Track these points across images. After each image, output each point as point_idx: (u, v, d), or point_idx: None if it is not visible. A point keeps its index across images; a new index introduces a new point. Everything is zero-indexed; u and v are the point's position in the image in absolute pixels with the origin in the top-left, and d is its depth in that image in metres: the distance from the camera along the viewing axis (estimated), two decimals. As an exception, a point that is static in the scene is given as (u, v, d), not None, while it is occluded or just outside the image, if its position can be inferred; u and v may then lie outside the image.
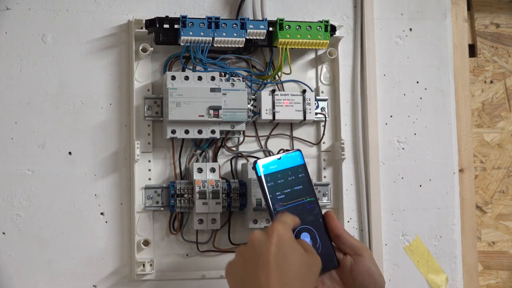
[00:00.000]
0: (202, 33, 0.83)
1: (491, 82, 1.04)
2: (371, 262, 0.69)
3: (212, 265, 0.86)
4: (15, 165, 0.83)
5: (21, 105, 0.84)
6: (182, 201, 0.83)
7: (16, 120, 0.84)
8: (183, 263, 0.86)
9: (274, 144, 0.90)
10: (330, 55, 0.90)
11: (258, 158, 0.72)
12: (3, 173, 0.83)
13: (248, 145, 0.89)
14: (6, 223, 0.82)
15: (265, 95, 0.86)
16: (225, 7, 0.91)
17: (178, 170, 0.86)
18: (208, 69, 0.85)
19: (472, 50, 1.04)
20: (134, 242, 0.84)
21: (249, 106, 0.86)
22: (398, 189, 0.94)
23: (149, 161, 0.86)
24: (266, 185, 0.70)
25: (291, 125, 0.91)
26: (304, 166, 0.73)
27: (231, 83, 0.84)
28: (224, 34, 0.83)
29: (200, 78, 0.83)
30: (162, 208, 0.85)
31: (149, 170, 0.86)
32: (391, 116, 0.95)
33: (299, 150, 0.73)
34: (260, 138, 0.90)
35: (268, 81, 0.89)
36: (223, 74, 0.85)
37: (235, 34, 0.84)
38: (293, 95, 0.87)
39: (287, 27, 0.85)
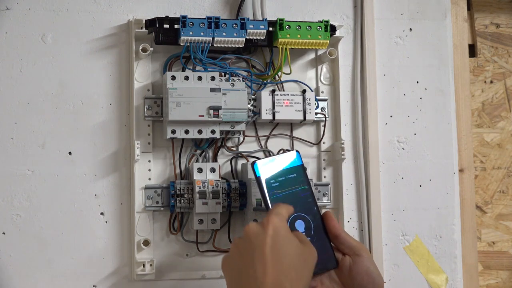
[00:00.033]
0: (202, 33, 0.83)
1: (491, 82, 1.04)
2: (369, 262, 0.70)
3: (212, 265, 0.86)
4: (15, 165, 0.83)
5: (21, 105, 0.84)
6: (182, 201, 0.83)
7: (16, 120, 0.84)
8: (183, 263, 0.86)
9: (274, 144, 0.90)
10: (330, 55, 0.90)
11: (258, 158, 0.72)
12: (3, 173, 0.83)
13: (248, 145, 0.89)
14: (6, 223, 0.82)
15: (265, 95, 0.86)
16: (225, 7, 0.91)
17: (178, 170, 0.86)
18: (208, 69, 0.85)
19: (472, 50, 1.05)
20: (134, 242, 0.84)
21: (249, 106, 0.86)
22: (398, 189, 0.94)
23: (149, 161, 0.86)
24: (265, 186, 0.70)
25: (291, 125, 0.91)
26: (302, 167, 0.73)
27: (231, 83, 0.84)
28: (224, 34, 0.83)
29: (200, 78, 0.83)
30: (162, 208, 0.85)
31: (149, 170, 0.86)
32: (391, 116, 0.95)
33: (297, 150, 0.73)
34: (260, 138, 0.90)
35: (268, 81, 0.89)
36: (223, 74, 0.85)
37: (235, 34, 0.84)
38: (293, 95, 0.87)
39: (287, 27, 0.85)
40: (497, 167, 1.03)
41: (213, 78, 0.83)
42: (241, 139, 0.89)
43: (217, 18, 0.83)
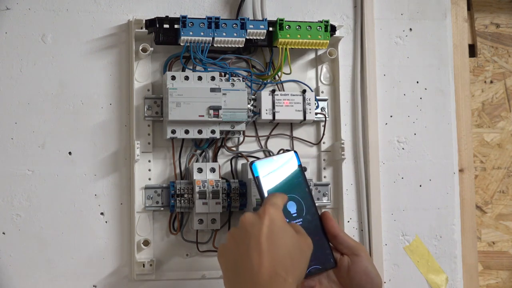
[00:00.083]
0: (202, 33, 0.83)
1: (491, 82, 1.04)
2: (368, 262, 0.70)
3: (212, 265, 0.86)
4: (15, 165, 0.83)
5: (21, 105, 0.84)
6: (182, 201, 0.83)
7: (16, 120, 0.84)
8: (183, 263, 0.86)
9: (274, 144, 0.90)
10: (330, 55, 0.90)
11: (258, 158, 0.72)
12: (3, 173, 0.83)
13: (248, 145, 0.89)
14: (6, 223, 0.82)
15: (265, 95, 0.86)
16: (225, 7, 0.91)
17: (178, 170, 0.86)
18: (208, 69, 0.85)
19: (472, 50, 1.04)
20: (134, 242, 0.84)
21: (249, 106, 0.86)
22: (398, 189, 0.94)
23: (149, 161, 0.86)
24: (263, 186, 0.70)
25: (291, 125, 0.91)
26: (300, 167, 0.73)
27: (231, 83, 0.84)
28: (224, 34, 0.83)
29: (200, 78, 0.83)
30: (162, 208, 0.85)
31: (149, 170, 0.86)
32: (391, 116, 0.95)
33: (295, 151, 0.74)
34: (260, 138, 0.90)
35: (268, 81, 0.89)
36: (223, 74, 0.85)
37: (235, 34, 0.84)
38: (293, 95, 0.87)
39: (287, 27, 0.85)
40: (497, 167, 1.03)
41: (213, 78, 0.83)
42: (241, 139, 0.89)
43: (217, 18, 0.83)
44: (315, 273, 0.69)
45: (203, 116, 0.82)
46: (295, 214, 0.70)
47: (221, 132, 0.85)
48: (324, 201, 0.89)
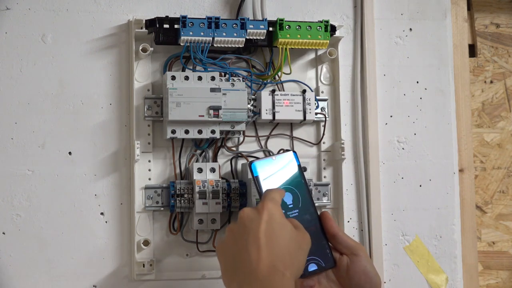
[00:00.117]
0: (202, 33, 0.83)
1: (491, 82, 1.04)
2: (367, 261, 0.70)
3: (212, 265, 0.86)
4: (15, 165, 0.83)
5: (21, 105, 0.84)
6: (182, 201, 0.83)
7: (16, 120, 0.84)
8: (183, 263, 0.86)
9: (274, 144, 0.90)
10: (330, 55, 0.90)
11: (257, 158, 0.72)
12: (3, 173, 0.83)
13: (248, 145, 0.89)
14: (6, 223, 0.82)
15: (265, 95, 0.86)
16: (225, 7, 0.91)
17: (178, 170, 0.86)
18: (208, 69, 0.85)
19: (472, 50, 1.04)
20: (134, 242, 0.84)
21: (249, 106, 0.86)
22: (398, 189, 0.94)
23: (149, 161, 0.86)
24: (262, 186, 0.70)
25: (291, 125, 0.91)
26: (299, 167, 0.73)
27: (231, 83, 0.84)
28: (224, 34, 0.83)
29: (200, 78, 0.83)
30: (162, 208, 0.85)
31: (149, 170, 0.86)
32: (391, 116, 0.95)
33: (294, 151, 0.74)
34: (260, 138, 0.90)
35: (268, 81, 0.89)
36: (223, 74, 0.85)
37: (235, 34, 0.84)
38: (293, 95, 0.87)
39: (287, 27, 0.85)
40: (497, 167, 1.03)
41: (213, 78, 0.83)
42: (241, 139, 0.89)
43: (217, 18, 0.83)
44: (314, 273, 0.69)
45: (203, 116, 0.82)
46: (291, 205, 0.71)
47: (221, 132, 0.85)
48: (324, 201, 0.89)
